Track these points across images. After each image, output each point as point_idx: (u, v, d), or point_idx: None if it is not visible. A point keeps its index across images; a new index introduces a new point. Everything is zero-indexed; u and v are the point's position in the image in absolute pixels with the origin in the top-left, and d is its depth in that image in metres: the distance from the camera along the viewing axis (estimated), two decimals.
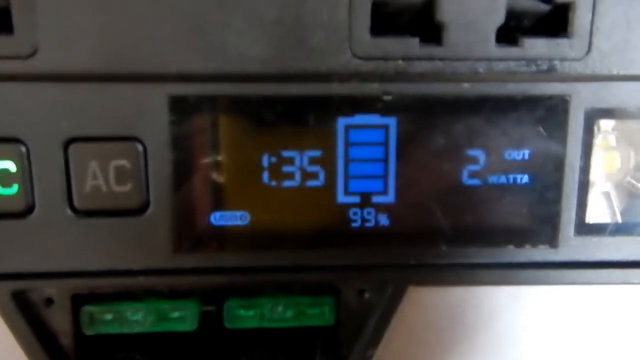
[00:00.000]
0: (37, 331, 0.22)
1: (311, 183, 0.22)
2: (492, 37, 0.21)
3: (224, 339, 0.25)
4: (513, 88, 0.21)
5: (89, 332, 0.23)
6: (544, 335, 0.24)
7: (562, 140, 0.22)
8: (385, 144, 0.22)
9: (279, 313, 0.23)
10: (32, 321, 0.22)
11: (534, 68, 0.21)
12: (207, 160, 0.21)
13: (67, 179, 0.21)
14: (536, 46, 0.21)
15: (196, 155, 0.21)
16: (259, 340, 0.25)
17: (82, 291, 0.23)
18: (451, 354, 0.24)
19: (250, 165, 0.22)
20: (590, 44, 0.21)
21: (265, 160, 0.22)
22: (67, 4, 0.20)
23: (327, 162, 0.22)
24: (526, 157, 0.22)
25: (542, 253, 0.23)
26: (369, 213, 0.22)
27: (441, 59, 0.21)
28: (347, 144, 0.22)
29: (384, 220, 0.22)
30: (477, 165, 0.22)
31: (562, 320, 0.24)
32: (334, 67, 0.21)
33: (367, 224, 0.22)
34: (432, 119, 0.21)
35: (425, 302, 0.23)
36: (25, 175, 0.21)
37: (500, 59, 0.21)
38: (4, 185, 0.21)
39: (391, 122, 0.22)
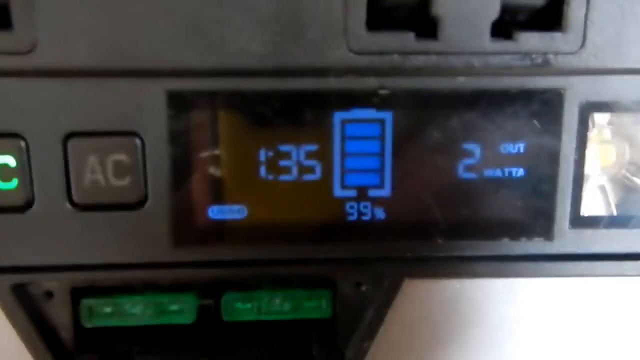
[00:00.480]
0: (37, 324, 0.23)
1: (308, 177, 0.22)
2: (487, 31, 0.21)
3: (222, 331, 0.25)
4: (508, 82, 0.21)
5: (88, 324, 0.23)
6: (539, 327, 0.24)
7: (557, 134, 0.22)
8: (382, 138, 0.22)
9: (276, 306, 0.24)
10: (32, 314, 0.23)
11: (528, 62, 0.21)
12: (205, 154, 0.22)
13: (66, 173, 0.21)
14: (531, 40, 0.21)
15: (194, 149, 0.21)
16: (256, 333, 0.25)
17: (81, 284, 0.23)
18: (446, 346, 0.24)
19: (247, 159, 0.22)
20: (584, 37, 0.21)
21: (262, 155, 0.22)
22: (66, 0, 0.20)
23: (324, 156, 0.22)
24: (521, 150, 0.22)
25: (537, 246, 0.23)
26: (365, 207, 0.22)
27: (436, 54, 0.21)
28: (344, 138, 0.22)
29: (380, 213, 0.22)
30: (472, 158, 0.22)
31: (556, 313, 0.24)
32: (330, 62, 0.21)
33: (364, 218, 0.22)
34: (428, 113, 0.22)
35: (421, 294, 0.24)
36: (25, 169, 0.21)
37: (495, 53, 0.21)
38: (3, 180, 0.21)
39: (387, 116, 0.22)
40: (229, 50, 0.20)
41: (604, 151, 0.23)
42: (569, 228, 0.23)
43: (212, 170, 0.22)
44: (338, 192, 0.22)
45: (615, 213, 0.23)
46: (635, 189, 0.23)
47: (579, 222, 0.23)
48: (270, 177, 0.22)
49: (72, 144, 0.21)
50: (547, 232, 0.23)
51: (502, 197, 0.22)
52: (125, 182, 0.21)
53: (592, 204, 0.23)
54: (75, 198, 0.21)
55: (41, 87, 0.20)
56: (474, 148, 0.22)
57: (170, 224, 0.22)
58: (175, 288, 0.24)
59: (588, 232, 0.23)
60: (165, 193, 0.22)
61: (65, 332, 0.23)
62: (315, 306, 0.24)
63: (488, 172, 0.22)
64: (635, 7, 0.21)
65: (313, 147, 0.22)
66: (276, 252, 0.23)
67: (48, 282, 0.23)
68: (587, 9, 0.21)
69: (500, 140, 0.22)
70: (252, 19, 0.20)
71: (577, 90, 0.22)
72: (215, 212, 0.22)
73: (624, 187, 0.23)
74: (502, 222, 0.23)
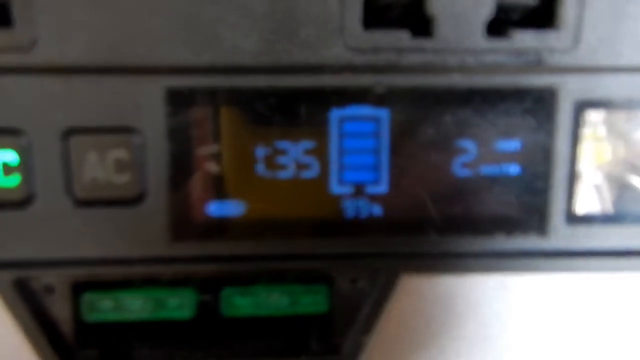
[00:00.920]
0: (38, 318, 0.23)
1: (305, 174, 0.22)
2: (482, 29, 0.21)
3: (221, 326, 0.25)
4: (502, 80, 0.22)
5: (88, 319, 0.24)
6: (533, 323, 0.24)
7: (552, 131, 0.22)
8: (378, 134, 0.22)
9: (274, 301, 0.24)
10: (33, 309, 0.23)
11: (522, 60, 0.21)
12: (203, 151, 0.22)
13: (67, 169, 0.21)
14: (525, 38, 0.21)
15: (192, 146, 0.22)
16: (254, 328, 0.25)
17: (81, 279, 0.23)
18: (441, 340, 0.24)
19: (245, 156, 0.22)
20: (578, 36, 0.21)
21: (260, 152, 0.22)
22: None
23: (321, 153, 0.22)
24: (516, 147, 0.22)
25: (532, 242, 0.23)
26: (362, 203, 0.23)
27: (432, 51, 0.21)
28: (341, 135, 0.22)
29: (377, 210, 0.23)
30: (468, 155, 0.22)
31: (550, 309, 0.24)
32: (327, 60, 0.21)
33: (361, 214, 0.23)
34: (424, 110, 0.22)
35: (416, 290, 0.24)
36: (26, 165, 0.21)
37: (490, 51, 0.21)
38: (5, 176, 0.21)
39: (383, 113, 0.22)
40: (225, 47, 0.21)
41: (599, 149, 0.23)
42: (564, 225, 0.23)
43: (211, 166, 0.22)
44: (335, 188, 0.22)
45: (609, 210, 0.23)
46: (630, 186, 0.23)
47: (574, 218, 0.23)
48: (268, 173, 0.22)
49: (72, 140, 0.21)
50: (541, 229, 0.23)
51: (497, 193, 0.23)
52: (124, 178, 0.22)
53: (587, 201, 0.23)
54: (75, 194, 0.22)
55: (41, 83, 0.21)
56: (470, 145, 0.22)
57: (169, 220, 0.22)
58: (175, 283, 0.24)
59: (582, 229, 0.23)
60: (164, 189, 0.22)
61: (66, 327, 0.23)
62: (312, 301, 0.24)
63: (483, 169, 0.22)
64: (629, 5, 0.21)
65: (310, 144, 0.22)
66: (274, 248, 0.23)
67: (49, 277, 0.23)
68: (581, 7, 0.21)
69: (495, 138, 0.22)
70: (248, 16, 0.20)
71: (571, 88, 0.22)
72: (213, 208, 0.22)
73: (619, 185, 0.23)
74: (497, 218, 0.23)
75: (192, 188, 0.22)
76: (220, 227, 0.22)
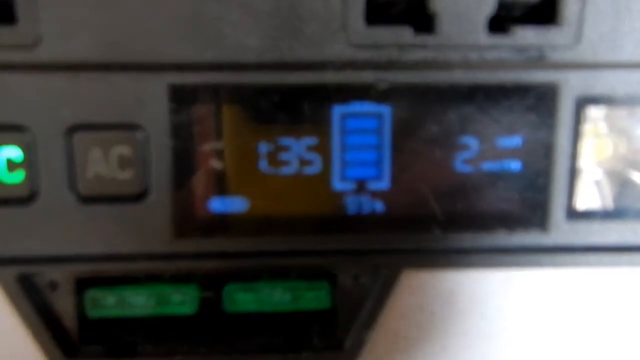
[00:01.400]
0: (42, 314, 0.23)
1: (308, 170, 0.22)
2: (484, 26, 0.21)
3: (223, 322, 0.25)
4: (504, 76, 0.22)
5: (92, 315, 0.24)
6: (534, 318, 0.25)
7: (553, 128, 0.22)
8: (380, 131, 0.22)
9: (276, 297, 0.24)
10: (37, 304, 0.23)
11: (524, 56, 0.22)
12: (206, 147, 0.22)
13: (71, 165, 0.21)
14: (526, 35, 0.21)
15: (196, 142, 0.22)
16: (257, 324, 0.25)
17: (85, 275, 0.23)
18: (443, 336, 0.24)
19: (248, 152, 0.22)
20: (579, 32, 0.21)
21: (262, 148, 0.22)
22: None
23: (323, 150, 0.22)
24: (518, 144, 0.22)
25: (533, 238, 0.23)
26: (364, 199, 0.23)
27: (434, 48, 0.21)
28: (343, 132, 0.22)
29: (379, 206, 0.23)
30: (469, 152, 0.22)
31: (552, 304, 0.24)
32: (329, 56, 0.21)
33: (363, 210, 0.23)
34: (426, 106, 0.22)
35: (418, 285, 0.24)
36: (30, 162, 0.21)
37: (492, 48, 0.21)
38: (9, 172, 0.21)
39: (386, 109, 0.22)
40: (228, 44, 0.21)
41: (600, 145, 0.23)
42: (565, 220, 0.23)
43: (214, 163, 0.22)
44: (337, 185, 0.23)
45: (610, 206, 0.23)
46: (630, 182, 0.24)
47: (574, 214, 0.23)
48: (271, 170, 0.22)
49: (76, 136, 0.21)
50: (542, 224, 0.23)
51: (498, 189, 0.23)
52: (128, 174, 0.22)
53: (588, 197, 0.23)
54: (79, 190, 0.22)
55: (45, 80, 0.21)
56: (471, 141, 0.22)
57: (172, 216, 0.22)
58: (177, 279, 0.24)
59: (583, 225, 0.23)
60: (167, 185, 0.22)
61: (70, 322, 0.24)
62: (315, 297, 0.24)
63: (485, 165, 0.23)
64: (630, 2, 0.21)
65: (313, 141, 0.22)
66: (276, 244, 0.23)
67: (53, 272, 0.23)
68: (582, 3, 0.21)
69: (497, 134, 0.22)
70: (251, 13, 0.21)
71: (572, 84, 0.22)
72: (216, 205, 0.22)
73: (619, 181, 0.24)
74: (499, 214, 0.23)
75: (195, 184, 0.22)
76: (223, 224, 0.23)
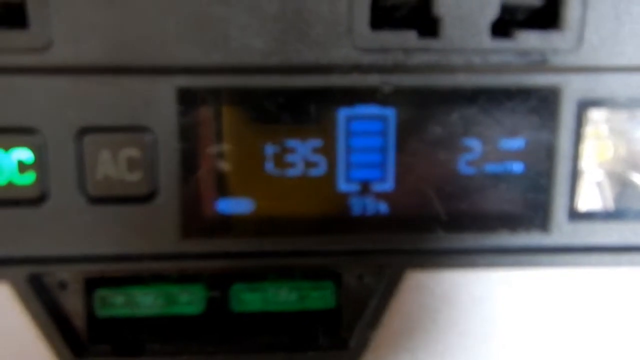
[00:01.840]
0: (51, 313, 0.23)
1: (313, 172, 0.23)
2: (487, 30, 0.21)
3: (230, 322, 0.25)
4: (507, 79, 0.22)
5: (100, 314, 0.24)
6: (537, 318, 0.25)
7: (555, 130, 0.23)
8: (385, 133, 0.22)
9: (282, 296, 0.24)
10: (47, 304, 0.23)
11: (527, 60, 0.22)
12: (213, 149, 0.22)
13: (80, 167, 0.22)
14: (529, 39, 0.21)
15: (203, 144, 0.22)
16: (263, 324, 0.25)
17: (94, 275, 0.24)
18: (446, 335, 0.25)
19: (254, 154, 0.22)
20: (581, 36, 0.22)
21: (269, 150, 0.22)
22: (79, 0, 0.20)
23: (329, 152, 0.22)
24: (520, 146, 0.23)
25: (535, 238, 0.23)
26: (368, 200, 0.23)
27: (438, 52, 0.22)
28: (348, 134, 0.22)
29: (383, 207, 0.23)
30: (472, 154, 0.23)
31: (554, 304, 0.25)
32: (335, 60, 0.21)
33: (367, 211, 0.23)
34: (430, 109, 0.22)
35: (422, 285, 0.24)
36: (41, 164, 0.22)
37: (495, 51, 0.22)
38: (20, 174, 0.22)
39: (390, 112, 0.22)
40: (236, 48, 0.21)
41: (601, 147, 0.24)
42: (566, 221, 0.23)
43: (220, 164, 0.22)
44: (342, 186, 0.23)
45: (611, 207, 0.24)
46: (631, 183, 0.24)
47: (576, 215, 0.23)
48: (277, 171, 0.23)
49: (86, 139, 0.22)
50: (544, 225, 0.23)
51: (501, 191, 0.23)
52: (137, 176, 0.22)
53: (589, 198, 0.24)
54: (88, 191, 0.22)
55: (56, 83, 0.21)
56: (474, 143, 0.23)
57: (180, 217, 0.22)
58: (185, 279, 0.24)
59: (585, 225, 0.24)
60: (175, 187, 0.22)
61: (79, 322, 0.24)
62: (320, 297, 0.24)
63: (488, 167, 0.23)
64: (631, 6, 0.22)
65: (318, 143, 0.22)
66: (282, 245, 0.23)
67: (62, 272, 0.23)
68: (584, 8, 0.21)
69: (500, 136, 0.23)
70: (258, 17, 0.21)
71: (574, 88, 0.22)
72: (223, 206, 0.23)
73: (620, 182, 0.24)
74: (501, 215, 0.23)
75: (202, 186, 0.22)
76: (230, 224, 0.23)
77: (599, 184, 0.24)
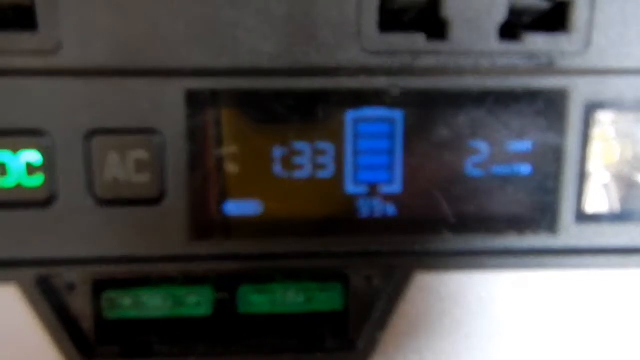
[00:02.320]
0: (60, 315, 0.23)
1: (321, 174, 0.23)
2: (495, 32, 0.21)
3: (237, 324, 0.25)
4: (515, 82, 0.22)
5: (109, 316, 0.24)
6: (544, 320, 0.25)
7: (562, 132, 0.23)
8: (392, 135, 0.23)
9: (290, 298, 0.24)
10: (55, 306, 0.23)
11: (534, 62, 0.22)
12: (221, 151, 0.22)
13: (89, 169, 0.22)
14: (537, 41, 0.22)
15: (211, 147, 0.22)
16: (270, 325, 0.25)
17: (102, 277, 0.24)
18: (454, 336, 0.25)
19: (262, 156, 0.22)
20: (588, 39, 0.22)
21: (276, 152, 0.22)
22: (88, 2, 0.20)
23: (336, 154, 0.23)
24: (528, 148, 0.23)
25: (542, 240, 0.24)
26: (376, 202, 0.23)
27: (446, 54, 0.22)
28: (356, 136, 0.22)
29: (390, 209, 0.23)
30: (480, 156, 0.23)
31: (561, 305, 0.25)
32: (343, 62, 0.21)
33: (375, 213, 0.23)
34: (438, 111, 0.22)
35: (430, 287, 0.24)
36: (49, 166, 0.22)
37: (503, 54, 0.22)
38: (29, 176, 0.22)
39: (398, 114, 0.22)
40: (244, 50, 0.21)
41: (608, 149, 0.24)
42: (574, 223, 0.23)
43: (228, 166, 0.22)
44: (350, 188, 0.23)
45: (618, 208, 0.24)
46: (638, 185, 0.24)
47: (583, 217, 0.23)
48: (284, 173, 0.23)
49: (94, 141, 0.22)
50: (552, 227, 0.23)
51: (508, 193, 0.23)
52: (145, 178, 0.22)
53: (596, 200, 0.24)
54: (97, 193, 0.22)
55: (65, 86, 0.21)
56: (482, 146, 0.23)
57: (188, 219, 0.23)
58: (192, 281, 0.24)
59: (592, 227, 0.24)
60: (183, 189, 0.22)
61: (87, 323, 0.24)
62: (327, 298, 0.24)
63: (495, 169, 0.23)
64: (638, 9, 0.22)
65: (326, 145, 0.22)
66: (290, 247, 0.23)
67: (70, 274, 0.23)
68: (592, 11, 0.21)
69: (507, 138, 0.23)
70: (267, 20, 0.21)
71: (581, 90, 0.22)
72: (231, 208, 0.23)
73: (627, 184, 0.24)
74: (509, 217, 0.23)
75: (210, 188, 0.22)
76: (238, 226, 0.23)
77: (606, 186, 0.24)
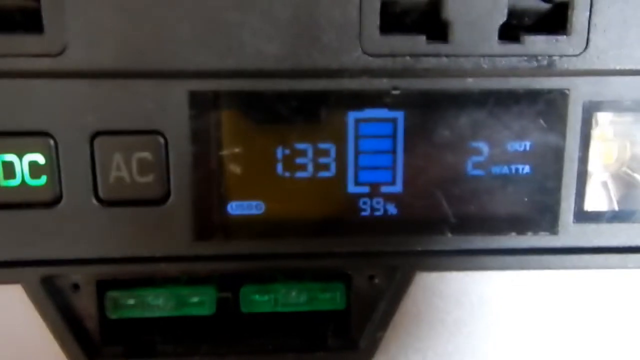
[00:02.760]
0: (64, 315, 0.23)
1: (323, 174, 0.23)
2: (495, 34, 0.22)
3: (240, 323, 0.26)
4: (515, 83, 0.22)
5: (113, 316, 0.24)
6: (545, 319, 0.25)
7: (562, 132, 0.23)
8: (394, 136, 0.23)
9: (292, 298, 0.24)
10: (59, 306, 0.23)
11: (534, 63, 0.22)
12: (224, 152, 0.22)
13: (93, 170, 0.22)
14: (537, 43, 0.22)
15: (214, 147, 0.22)
16: (273, 325, 0.26)
17: (106, 277, 0.24)
18: (455, 336, 0.25)
19: (265, 157, 0.23)
20: (587, 40, 0.22)
21: (279, 152, 0.23)
22: (94, 5, 0.21)
23: (338, 154, 0.23)
24: (527, 148, 0.23)
25: (542, 240, 0.24)
26: (378, 202, 0.23)
27: (447, 56, 0.22)
28: (357, 137, 0.23)
29: (392, 209, 0.23)
30: (480, 156, 0.23)
31: (562, 304, 0.25)
32: (345, 64, 0.22)
33: (376, 213, 0.23)
34: (438, 112, 0.23)
35: (431, 286, 0.24)
36: (54, 167, 0.22)
37: (503, 55, 0.22)
38: (33, 177, 0.22)
39: (399, 115, 0.23)
40: (248, 52, 0.21)
41: (607, 149, 0.24)
42: (573, 222, 0.24)
43: (232, 167, 0.23)
44: (352, 188, 0.23)
45: (617, 208, 0.24)
46: (636, 185, 0.24)
47: (583, 216, 0.24)
48: (287, 174, 0.23)
49: (98, 142, 0.22)
50: (552, 227, 0.24)
51: (508, 193, 0.23)
52: (149, 178, 0.22)
53: (595, 200, 0.24)
54: (101, 194, 0.22)
55: (70, 87, 0.21)
56: (482, 146, 0.23)
57: (192, 219, 0.23)
58: (195, 281, 0.25)
59: (591, 227, 0.24)
60: (187, 189, 0.22)
61: (91, 323, 0.24)
62: (329, 298, 0.24)
63: (495, 169, 0.23)
64: (637, 11, 0.22)
65: (328, 146, 0.23)
66: (292, 246, 0.23)
67: (75, 274, 0.24)
68: (591, 13, 0.22)
69: (507, 139, 0.23)
70: (271, 22, 0.21)
71: (580, 91, 0.23)
72: (234, 208, 0.23)
73: (626, 183, 0.24)
74: (509, 217, 0.24)
75: (213, 188, 0.23)
76: (241, 226, 0.23)
77: (605, 186, 0.24)
